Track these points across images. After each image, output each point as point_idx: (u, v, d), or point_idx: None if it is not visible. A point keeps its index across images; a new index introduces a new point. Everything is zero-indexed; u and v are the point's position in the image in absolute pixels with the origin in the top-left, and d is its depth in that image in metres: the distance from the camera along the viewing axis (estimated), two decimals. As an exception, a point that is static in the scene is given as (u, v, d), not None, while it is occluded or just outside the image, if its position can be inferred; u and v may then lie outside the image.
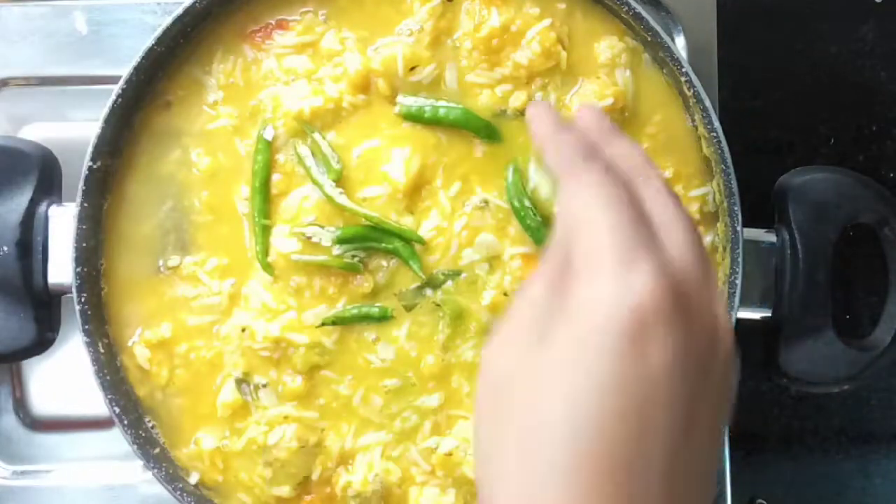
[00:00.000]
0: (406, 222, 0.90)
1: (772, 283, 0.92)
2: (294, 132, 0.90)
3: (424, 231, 0.90)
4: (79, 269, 0.88)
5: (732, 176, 0.88)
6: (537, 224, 0.88)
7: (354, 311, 0.90)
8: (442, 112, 0.90)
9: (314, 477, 0.90)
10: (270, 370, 0.90)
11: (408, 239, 0.89)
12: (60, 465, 1.05)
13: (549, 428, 0.52)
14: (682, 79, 0.88)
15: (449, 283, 0.90)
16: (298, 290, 0.90)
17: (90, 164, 0.88)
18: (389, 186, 0.89)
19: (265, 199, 0.90)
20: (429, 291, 0.90)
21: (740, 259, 0.88)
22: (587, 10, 0.91)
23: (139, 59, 0.88)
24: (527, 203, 0.89)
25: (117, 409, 0.88)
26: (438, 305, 0.90)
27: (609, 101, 0.89)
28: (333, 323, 0.89)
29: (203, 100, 0.92)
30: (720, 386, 0.58)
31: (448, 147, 0.90)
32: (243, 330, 0.89)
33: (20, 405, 1.07)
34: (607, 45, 0.91)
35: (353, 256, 0.89)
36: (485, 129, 0.90)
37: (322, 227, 0.89)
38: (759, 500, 1.10)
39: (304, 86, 0.90)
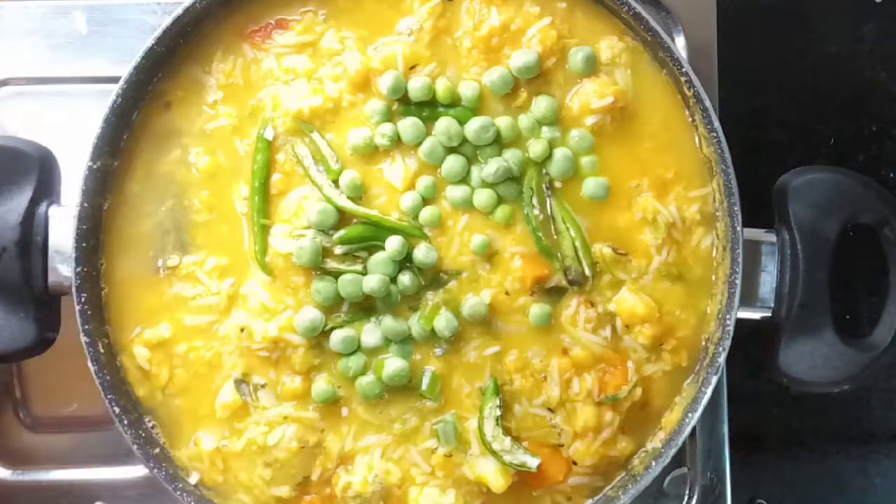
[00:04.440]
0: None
1: (772, 283, 0.92)
2: (293, 131, 0.90)
3: (425, 230, 0.90)
4: (79, 269, 0.88)
5: (732, 176, 0.88)
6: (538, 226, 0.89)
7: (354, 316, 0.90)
8: (441, 111, 0.90)
9: (314, 477, 0.90)
10: (269, 370, 0.90)
11: (409, 235, 0.89)
12: (60, 465, 1.05)
13: None
14: (682, 79, 0.88)
15: (453, 282, 0.90)
16: (297, 290, 0.90)
17: (90, 164, 0.88)
18: (388, 187, 0.90)
19: (264, 198, 0.90)
20: (430, 294, 0.90)
21: (740, 259, 0.88)
22: (587, 9, 0.91)
23: (139, 59, 0.88)
24: (536, 211, 0.89)
25: (117, 409, 0.88)
26: (440, 306, 0.90)
27: (609, 99, 0.89)
28: (335, 328, 0.89)
29: (203, 100, 0.92)
30: None
31: (448, 147, 0.91)
32: (242, 330, 0.89)
33: (20, 405, 1.07)
34: (607, 45, 0.91)
35: (356, 257, 0.89)
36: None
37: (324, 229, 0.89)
38: (759, 500, 1.10)
39: (303, 85, 0.90)
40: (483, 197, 0.89)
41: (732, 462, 1.01)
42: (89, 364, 0.88)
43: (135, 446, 0.88)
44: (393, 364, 0.88)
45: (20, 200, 0.90)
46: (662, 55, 0.89)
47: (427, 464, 0.90)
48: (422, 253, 0.89)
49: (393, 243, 0.87)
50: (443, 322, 0.88)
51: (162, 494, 0.90)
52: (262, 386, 0.90)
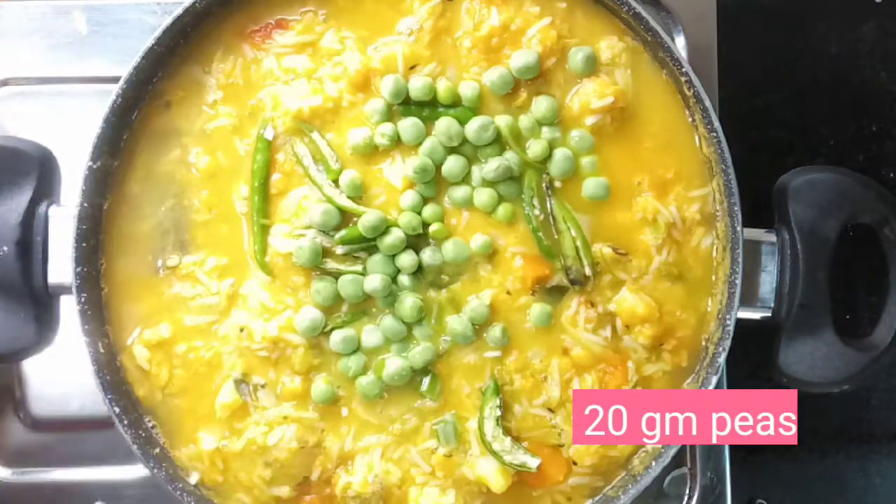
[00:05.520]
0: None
1: (772, 283, 0.92)
2: (293, 131, 0.90)
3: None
4: (79, 269, 0.88)
5: (732, 176, 0.88)
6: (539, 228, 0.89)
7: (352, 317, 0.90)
8: (441, 111, 0.90)
9: (314, 477, 0.90)
10: (269, 370, 0.90)
11: (409, 233, 0.89)
12: (60, 465, 1.05)
13: None
14: (682, 79, 0.88)
15: (457, 284, 0.90)
16: (297, 290, 0.90)
17: (90, 163, 0.88)
18: (388, 186, 0.90)
19: (264, 198, 0.90)
20: (432, 292, 0.90)
21: (740, 259, 0.88)
22: (587, 9, 0.91)
23: (139, 59, 0.88)
24: (536, 211, 0.89)
25: (117, 409, 0.88)
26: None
27: (609, 99, 0.89)
28: (335, 328, 0.89)
29: (203, 100, 0.92)
30: None
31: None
32: (241, 330, 0.89)
33: (20, 405, 1.07)
34: (607, 45, 0.91)
35: (356, 257, 0.89)
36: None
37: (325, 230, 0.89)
38: (759, 500, 1.10)
39: (303, 85, 0.90)
40: (484, 196, 0.89)
41: (732, 462, 1.01)
42: (89, 364, 0.88)
43: (135, 446, 0.88)
44: (393, 364, 0.88)
45: (20, 200, 0.90)
46: (662, 55, 0.89)
47: (427, 464, 0.90)
48: (428, 255, 0.89)
49: (392, 237, 0.88)
50: (458, 327, 0.88)
51: (162, 494, 0.90)
52: (262, 386, 0.90)
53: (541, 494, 0.92)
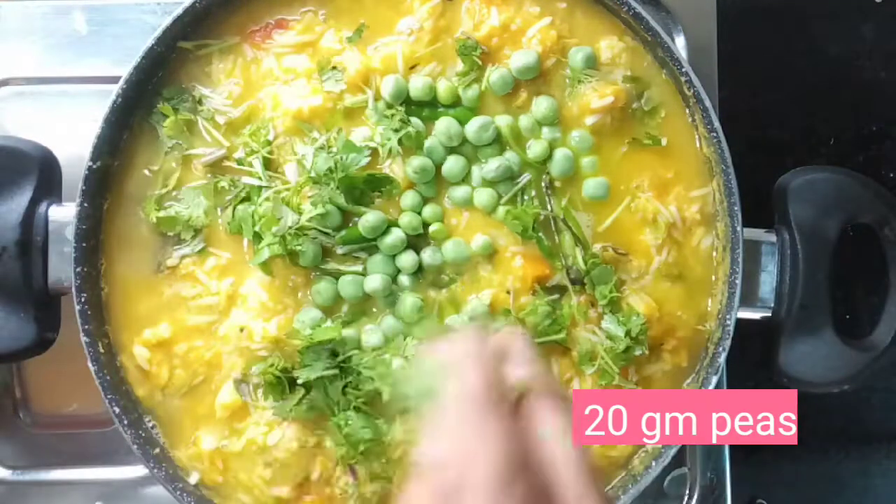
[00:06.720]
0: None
1: (772, 283, 0.92)
2: (293, 131, 0.90)
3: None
4: (79, 269, 0.88)
5: (732, 176, 0.88)
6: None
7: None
8: (441, 111, 0.90)
9: (314, 477, 0.90)
10: (269, 370, 0.90)
11: (410, 233, 0.89)
12: (60, 465, 1.05)
13: None
14: (682, 79, 0.88)
15: (457, 283, 0.90)
16: (296, 290, 0.90)
17: (90, 164, 0.88)
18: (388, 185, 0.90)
19: (264, 198, 0.90)
20: (432, 292, 0.90)
21: (740, 259, 0.88)
22: (587, 9, 0.91)
23: (139, 59, 0.88)
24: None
25: (117, 409, 0.88)
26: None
27: (609, 99, 0.89)
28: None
29: (203, 99, 0.92)
30: None
31: (448, 147, 0.90)
32: (241, 330, 0.89)
33: (20, 405, 1.06)
34: (607, 45, 0.91)
35: (356, 258, 0.89)
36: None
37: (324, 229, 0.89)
38: (760, 501, 1.10)
39: (303, 85, 0.90)
40: (484, 196, 0.89)
41: (732, 462, 1.01)
42: (89, 364, 0.88)
43: (135, 446, 0.88)
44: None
45: (20, 200, 0.90)
46: (662, 55, 0.90)
47: (427, 464, 0.90)
48: (428, 255, 0.89)
49: (392, 237, 0.88)
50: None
51: (162, 494, 0.90)
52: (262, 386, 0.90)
53: (541, 494, 0.92)
